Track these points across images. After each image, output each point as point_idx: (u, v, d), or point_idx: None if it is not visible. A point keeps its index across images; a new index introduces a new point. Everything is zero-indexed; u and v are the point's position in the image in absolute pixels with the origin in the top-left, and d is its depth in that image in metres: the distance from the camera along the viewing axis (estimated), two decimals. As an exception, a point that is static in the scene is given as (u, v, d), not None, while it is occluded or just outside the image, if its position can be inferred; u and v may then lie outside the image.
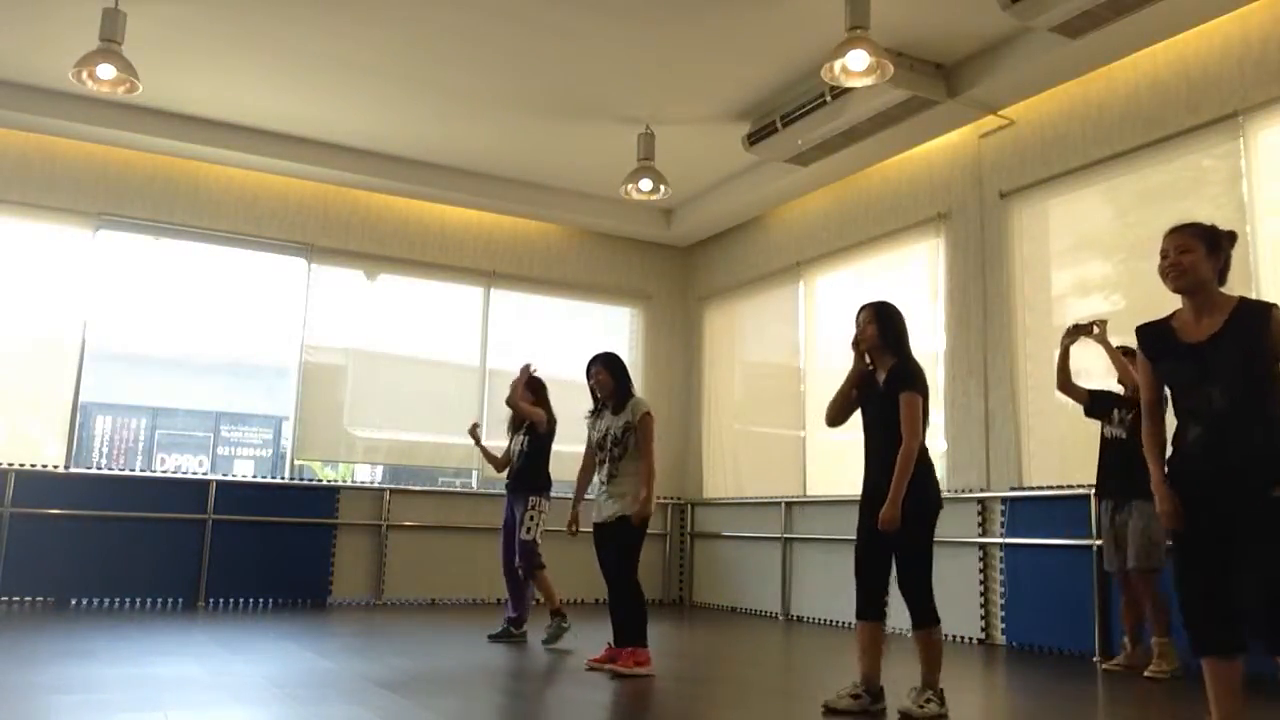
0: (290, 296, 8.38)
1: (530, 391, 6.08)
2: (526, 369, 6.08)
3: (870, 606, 3.84)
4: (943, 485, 6.77)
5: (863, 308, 4.02)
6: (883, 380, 3.91)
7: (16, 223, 7.48)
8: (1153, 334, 3.10)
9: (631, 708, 4.02)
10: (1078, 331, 5.34)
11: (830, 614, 7.61)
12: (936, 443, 6.94)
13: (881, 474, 3.82)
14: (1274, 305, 2.97)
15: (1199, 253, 2.99)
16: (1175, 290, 3.03)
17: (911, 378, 3.85)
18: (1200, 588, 2.90)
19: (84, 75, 5.73)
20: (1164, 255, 3.03)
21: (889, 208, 7.61)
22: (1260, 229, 5.23)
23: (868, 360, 3.99)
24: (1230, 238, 3.08)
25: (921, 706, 3.64)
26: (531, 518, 5.87)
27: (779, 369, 8.72)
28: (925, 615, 3.74)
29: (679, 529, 9.46)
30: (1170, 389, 3.07)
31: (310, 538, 7.99)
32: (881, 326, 3.93)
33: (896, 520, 3.69)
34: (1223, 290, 3.01)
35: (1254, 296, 5.10)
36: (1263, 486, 2.78)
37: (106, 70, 5.71)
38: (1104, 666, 5.25)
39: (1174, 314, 3.08)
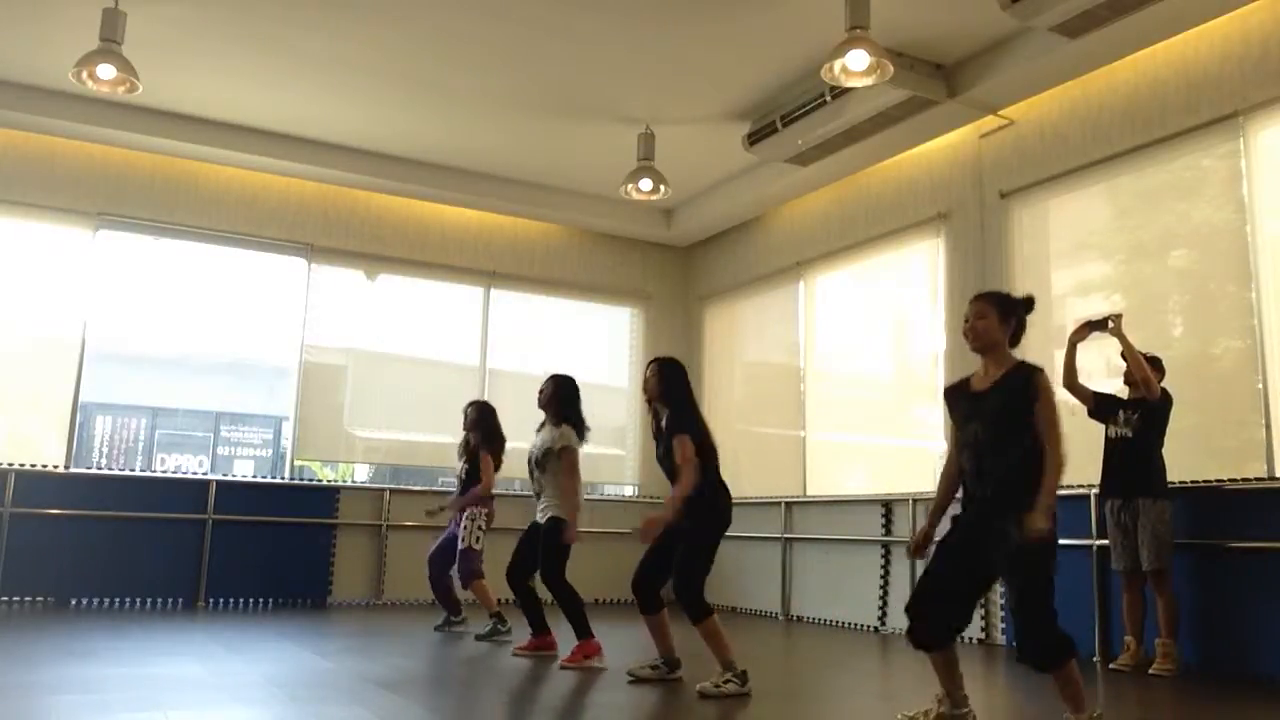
0: (290, 296, 8.38)
1: (481, 419, 6.48)
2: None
3: (649, 602, 4.52)
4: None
5: (650, 363, 4.67)
6: (663, 424, 4.56)
7: (16, 223, 7.48)
8: (953, 389, 3.55)
9: (630, 707, 4.02)
10: (1090, 327, 5.30)
11: (830, 614, 7.61)
12: (937, 443, 6.94)
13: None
14: (1027, 371, 3.31)
15: (992, 319, 3.41)
16: (973, 350, 3.46)
17: (679, 424, 4.47)
18: (931, 583, 3.34)
19: (84, 75, 5.73)
20: (965, 319, 3.46)
21: (889, 208, 7.61)
22: (1260, 229, 5.23)
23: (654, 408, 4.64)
24: (1026, 304, 3.45)
25: (718, 686, 4.17)
26: (466, 527, 6.26)
27: (779, 369, 8.72)
28: (694, 614, 4.29)
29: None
30: (955, 426, 3.50)
31: (310, 538, 7.99)
32: (662, 382, 4.57)
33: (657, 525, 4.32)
34: (1014, 351, 3.44)
35: (1251, 297, 5.16)
36: (1003, 524, 3.17)
37: (106, 70, 5.71)
38: (1111, 666, 5.24)
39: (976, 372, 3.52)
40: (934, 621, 3.31)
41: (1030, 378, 3.31)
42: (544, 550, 5.24)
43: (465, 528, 6.26)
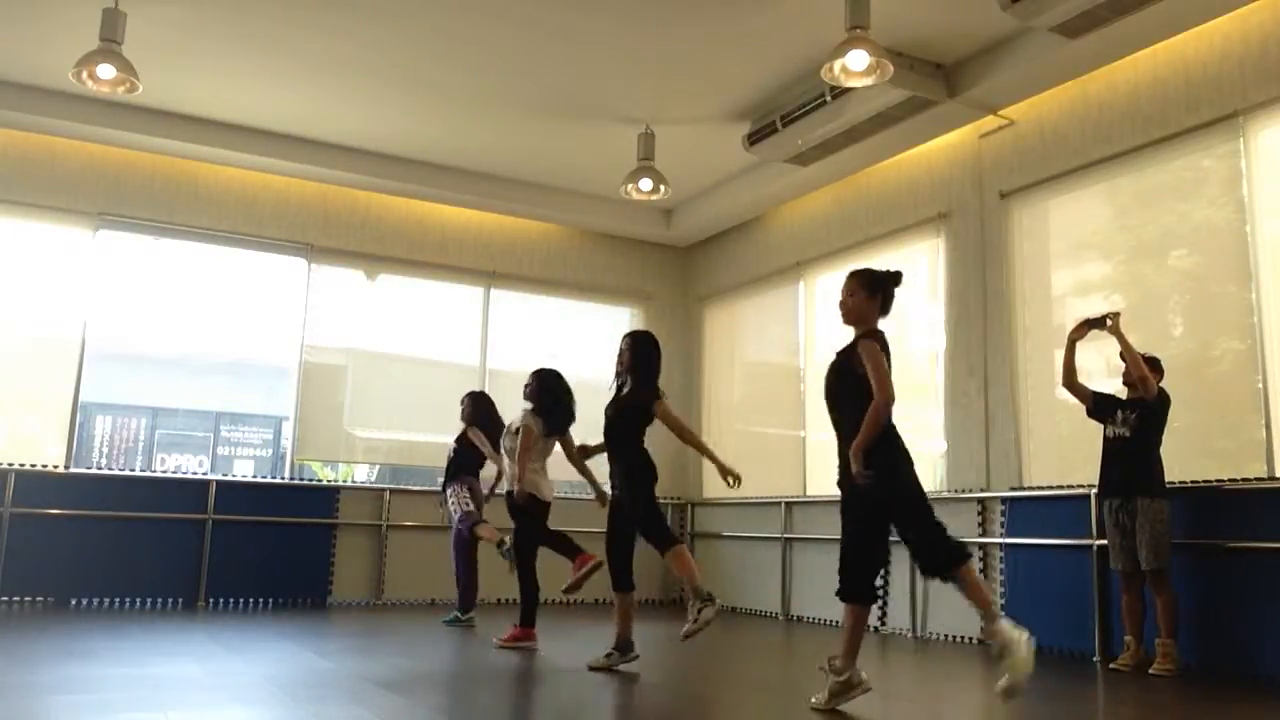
0: (290, 296, 8.38)
1: (475, 408, 6.93)
2: None
3: (623, 579, 4.78)
4: (943, 485, 6.84)
5: (625, 336, 4.99)
6: (626, 393, 4.86)
7: (16, 223, 7.48)
8: None
9: (630, 708, 4.02)
10: (1088, 326, 5.30)
11: (830, 614, 7.60)
12: (936, 443, 6.95)
13: (616, 463, 4.85)
14: (860, 338, 3.76)
15: (860, 295, 3.81)
16: (845, 324, 3.87)
17: (655, 392, 4.84)
18: (843, 550, 3.84)
19: (84, 75, 5.73)
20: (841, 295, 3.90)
21: (889, 208, 7.61)
22: (1260, 229, 5.23)
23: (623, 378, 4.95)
24: (893, 277, 3.83)
25: (694, 620, 4.44)
26: (454, 503, 6.74)
27: (779, 369, 8.72)
28: (661, 543, 4.64)
29: (679, 529, 9.46)
30: None
31: (310, 538, 7.99)
32: (636, 354, 4.88)
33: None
34: (882, 322, 3.83)
35: (1251, 297, 5.16)
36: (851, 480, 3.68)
37: (106, 70, 5.71)
38: (1111, 666, 5.24)
39: None
40: (853, 580, 3.77)
41: (855, 342, 3.76)
42: (516, 531, 5.76)
43: (453, 504, 6.75)
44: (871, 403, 3.64)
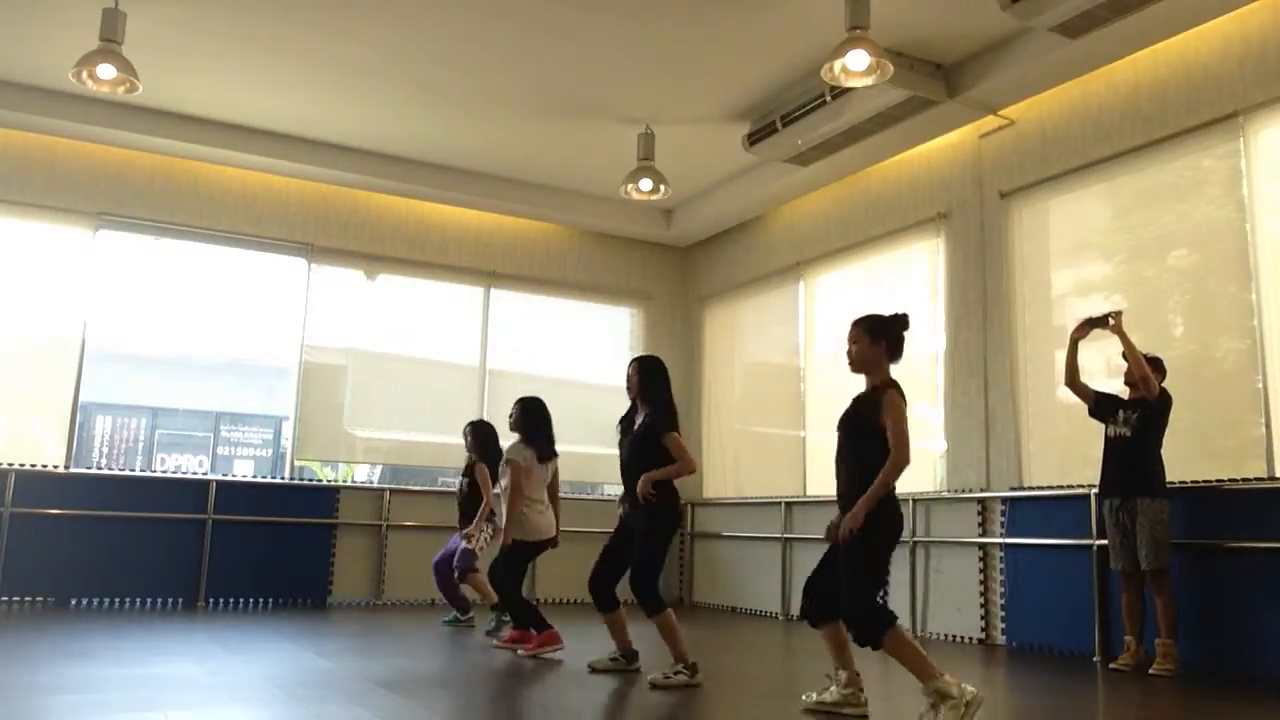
0: (290, 296, 8.38)
1: (477, 439, 6.72)
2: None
3: (606, 601, 4.68)
4: (943, 485, 6.84)
5: (631, 361, 4.84)
6: (639, 421, 4.70)
7: (16, 223, 7.48)
8: None
9: (629, 707, 4.03)
10: (1090, 325, 5.29)
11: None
12: (936, 443, 6.95)
13: (630, 492, 4.61)
14: (877, 388, 3.62)
15: (864, 342, 3.69)
16: (853, 373, 3.75)
17: (667, 423, 4.62)
18: (812, 574, 3.80)
19: (84, 75, 5.73)
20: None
21: (889, 208, 7.61)
22: (1260, 229, 5.23)
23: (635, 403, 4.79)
24: (899, 322, 3.70)
25: (668, 677, 4.36)
26: (477, 531, 6.55)
27: (779, 369, 8.72)
28: (649, 609, 4.48)
29: (679, 529, 9.45)
30: None
31: (310, 538, 7.99)
32: (644, 380, 4.72)
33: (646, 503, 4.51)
34: (892, 367, 3.70)
35: (1251, 297, 5.16)
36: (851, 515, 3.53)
37: (106, 70, 5.72)
38: (1111, 666, 5.24)
39: None
40: (814, 606, 3.76)
41: (875, 390, 3.65)
42: (502, 562, 5.54)
43: (474, 535, 6.54)
44: (887, 460, 3.50)
